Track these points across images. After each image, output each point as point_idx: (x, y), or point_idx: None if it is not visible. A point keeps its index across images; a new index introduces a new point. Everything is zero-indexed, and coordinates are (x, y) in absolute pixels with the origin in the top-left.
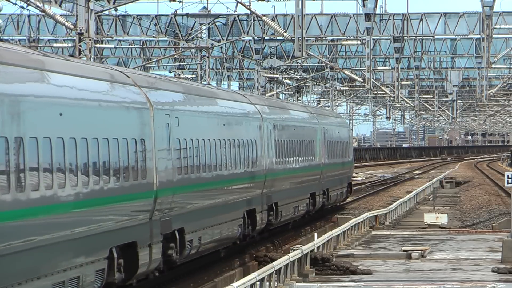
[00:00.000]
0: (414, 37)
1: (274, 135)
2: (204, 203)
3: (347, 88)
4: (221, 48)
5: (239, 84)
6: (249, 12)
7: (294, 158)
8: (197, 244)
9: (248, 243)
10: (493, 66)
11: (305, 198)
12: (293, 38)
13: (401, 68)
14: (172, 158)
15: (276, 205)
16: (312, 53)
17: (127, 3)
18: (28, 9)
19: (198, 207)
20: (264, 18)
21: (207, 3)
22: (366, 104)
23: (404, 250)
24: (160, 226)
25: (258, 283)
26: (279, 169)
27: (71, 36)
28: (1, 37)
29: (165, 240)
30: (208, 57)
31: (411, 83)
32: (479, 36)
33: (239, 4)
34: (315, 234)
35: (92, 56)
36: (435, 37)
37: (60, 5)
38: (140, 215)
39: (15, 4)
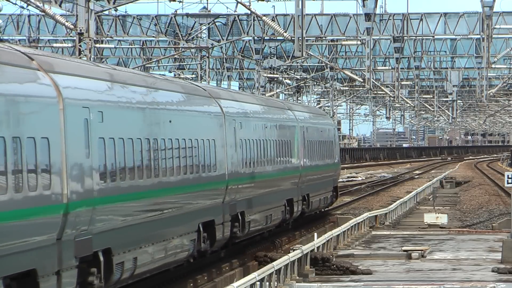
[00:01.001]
0: (414, 37)
1: (240, 134)
2: (140, 217)
3: (347, 88)
4: (221, 48)
5: (239, 84)
6: (249, 12)
7: (265, 160)
8: (131, 266)
9: (208, 261)
10: (493, 66)
11: (280, 206)
12: (293, 38)
13: (401, 68)
14: (91, 163)
15: (243, 215)
16: (312, 53)
17: (127, 3)
18: (28, 9)
19: (131, 222)
20: (264, 18)
21: (207, 3)
22: (366, 104)
23: (404, 250)
24: (74, 247)
25: (258, 283)
26: (246, 174)
27: (71, 36)
28: (1, 37)
29: (85, 264)
30: (208, 57)
31: (411, 83)
32: (479, 36)
33: (239, 4)
34: (315, 234)
35: (92, 56)
36: (435, 37)
37: (60, 5)
38: (43, 236)
39: (15, 4)
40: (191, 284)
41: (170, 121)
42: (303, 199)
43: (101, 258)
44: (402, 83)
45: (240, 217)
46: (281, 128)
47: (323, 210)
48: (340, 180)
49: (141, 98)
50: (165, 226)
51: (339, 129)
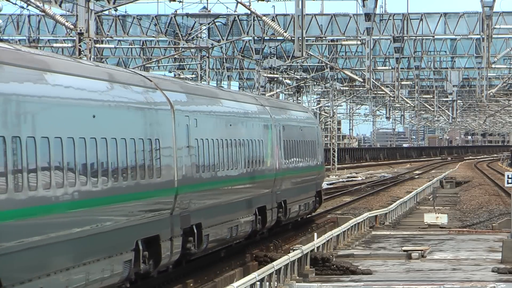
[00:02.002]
0: (414, 37)
1: (195, 134)
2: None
3: (347, 88)
4: (221, 48)
5: (239, 84)
6: (249, 12)
7: (229, 163)
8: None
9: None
10: (493, 66)
11: (249, 215)
12: (293, 38)
13: (401, 68)
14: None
15: (199, 227)
16: (312, 53)
17: (127, 3)
18: (28, 9)
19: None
20: (264, 18)
21: (207, 3)
22: (366, 104)
23: (404, 250)
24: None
25: (258, 283)
26: (203, 179)
27: (71, 36)
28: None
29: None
30: (208, 57)
31: (411, 83)
32: (479, 36)
33: (239, 4)
34: (315, 234)
35: (92, 56)
36: (435, 37)
37: (60, 5)
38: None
39: (15, 4)
40: (191, 284)
41: (94, 116)
42: (279, 206)
43: (195, 230)
44: (402, 83)
45: (195, 230)
46: (251, 126)
47: (305, 217)
48: (340, 180)
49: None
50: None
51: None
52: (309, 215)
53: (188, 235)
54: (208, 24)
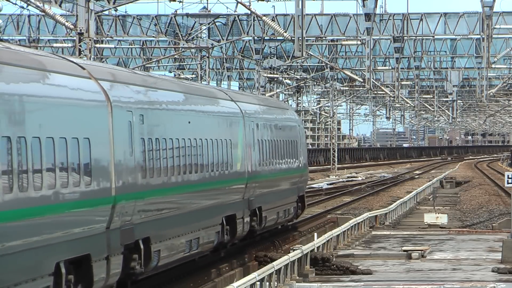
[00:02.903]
0: (414, 37)
1: (140, 132)
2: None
3: (347, 88)
4: (221, 48)
5: (239, 84)
6: (249, 12)
7: (186, 167)
8: None
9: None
10: (493, 66)
11: (214, 226)
12: (293, 38)
13: (401, 68)
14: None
15: (147, 243)
16: (312, 53)
17: (127, 3)
18: (28, 9)
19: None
20: (264, 18)
21: (207, 3)
22: (366, 104)
23: (404, 250)
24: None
25: (258, 283)
26: (149, 187)
27: (71, 36)
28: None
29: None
30: (208, 57)
31: (411, 83)
32: (479, 36)
33: (239, 4)
34: (315, 234)
35: (92, 56)
36: (435, 37)
37: (60, 5)
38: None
39: (15, 4)
40: (191, 284)
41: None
42: (252, 214)
43: (141, 246)
44: (402, 83)
45: (142, 247)
46: (216, 123)
47: (286, 224)
48: (340, 180)
49: None
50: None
51: (339, 129)
52: (291, 222)
53: (133, 252)
54: (208, 24)
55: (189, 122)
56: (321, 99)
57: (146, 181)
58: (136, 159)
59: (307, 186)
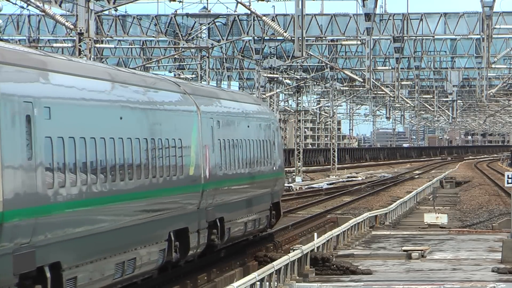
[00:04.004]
0: (414, 37)
1: (44, 129)
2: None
3: (347, 88)
4: (221, 48)
5: (239, 84)
6: (249, 12)
7: (112, 173)
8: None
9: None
10: (493, 66)
11: (157, 243)
12: (293, 38)
13: (401, 68)
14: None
15: (57, 269)
16: (312, 53)
17: (127, 3)
18: (28, 9)
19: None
20: (264, 18)
21: (207, 3)
22: (366, 104)
23: (404, 250)
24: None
25: (258, 283)
26: (51, 200)
27: (71, 36)
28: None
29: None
30: (208, 57)
31: (411, 83)
32: (479, 36)
33: (239, 4)
34: (315, 234)
35: (92, 56)
36: (435, 37)
37: (60, 5)
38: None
39: (15, 4)
40: (191, 284)
41: None
42: (211, 226)
43: (48, 275)
44: (402, 83)
45: (49, 275)
46: (157, 120)
47: (259, 234)
48: (340, 180)
49: None
50: None
51: (339, 129)
52: (263, 233)
53: (36, 282)
54: (208, 24)
55: (121, 118)
56: (321, 99)
57: (45, 194)
58: (36, 165)
59: (283, 192)
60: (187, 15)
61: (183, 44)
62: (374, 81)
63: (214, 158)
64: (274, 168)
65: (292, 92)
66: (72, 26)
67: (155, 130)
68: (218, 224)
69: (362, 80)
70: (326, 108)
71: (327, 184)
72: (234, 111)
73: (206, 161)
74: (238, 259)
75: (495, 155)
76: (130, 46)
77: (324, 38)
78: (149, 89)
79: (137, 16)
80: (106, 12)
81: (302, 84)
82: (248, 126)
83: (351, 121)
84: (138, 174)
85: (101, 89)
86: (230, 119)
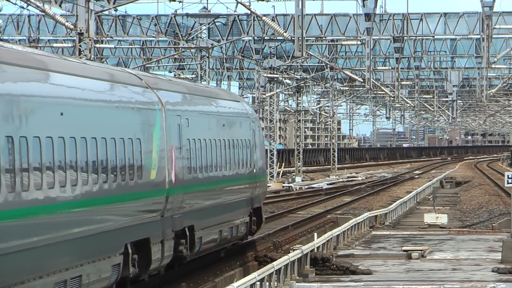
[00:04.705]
0: (414, 37)
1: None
2: None
3: (347, 88)
4: (221, 48)
5: (239, 84)
6: (249, 12)
7: (54, 177)
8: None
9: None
10: (493, 66)
11: (108, 257)
12: (293, 38)
13: (401, 68)
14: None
15: None
16: (312, 53)
17: (127, 3)
18: (28, 9)
19: None
20: (264, 18)
21: (207, 3)
22: (366, 104)
23: (404, 250)
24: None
25: (258, 283)
26: None
27: (71, 36)
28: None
29: None
30: (208, 57)
31: (411, 83)
32: (479, 36)
33: (239, 4)
34: (315, 234)
35: (92, 56)
36: (435, 37)
37: (60, 5)
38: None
39: (15, 4)
40: (191, 284)
41: None
42: (179, 236)
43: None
44: (402, 83)
45: None
46: (108, 117)
47: (238, 242)
48: (340, 180)
49: None
50: None
51: (339, 129)
52: (241, 241)
53: None
54: (208, 24)
55: (61, 114)
56: (321, 99)
57: None
58: None
59: (266, 196)
60: (187, 15)
61: (183, 44)
62: (374, 81)
63: (182, 160)
64: (255, 170)
65: (292, 92)
66: (72, 26)
67: (105, 128)
68: (187, 233)
69: (362, 80)
70: (326, 108)
71: (327, 184)
72: (207, 108)
73: (172, 163)
74: (238, 259)
75: (495, 155)
76: (130, 46)
77: (324, 38)
78: (100, 82)
79: (137, 16)
80: (106, 12)
81: (302, 84)
82: (224, 125)
83: (351, 121)
84: (84, 179)
85: (42, 83)
86: (202, 116)
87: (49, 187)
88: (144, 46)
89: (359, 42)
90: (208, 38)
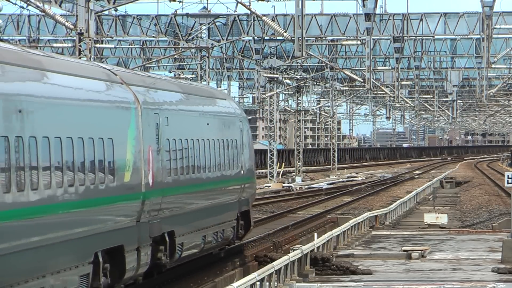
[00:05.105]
0: (414, 37)
1: None
2: None
3: (347, 88)
4: (221, 48)
5: (239, 84)
6: (249, 12)
7: (6, 184)
8: None
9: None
10: (493, 66)
11: (76, 268)
12: (293, 38)
13: (401, 68)
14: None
15: None
16: (312, 53)
17: (127, 3)
18: (28, 9)
19: None
20: (264, 18)
21: (207, 3)
22: (366, 104)
23: (404, 250)
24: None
25: (258, 283)
26: None
27: (71, 36)
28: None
29: None
30: (208, 57)
31: (411, 83)
32: (479, 36)
33: (239, 4)
34: (315, 234)
35: (92, 56)
36: (435, 37)
37: (60, 5)
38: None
39: (15, 4)
40: (191, 284)
41: None
42: (158, 242)
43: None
44: (402, 83)
45: None
46: (77, 114)
47: (226, 248)
48: (340, 180)
49: None
50: None
51: (339, 129)
52: (228, 246)
53: None
54: (208, 24)
55: (19, 112)
56: (321, 99)
57: None
58: None
59: (255, 198)
60: (187, 15)
61: (183, 44)
62: (374, 81)
63: (160, 162)
64: (242, 172)
65: (292, 92)
66: (72, 26)
67: (72, 126)
68: (167, 239)
69: (362, 80)
70: (326, 108)
71: (327, 184)
72: (190, 106)
73: (149, 165)
74: (238, 259)
75: (495, 155)
76: (130, 46)
77: (324, 38)
78: (67, 76)
79: (137, 16)
80: (106, 12)
81: (302, 84)
82: (208, 124)
83: (351, 121)
84: (46, 182)
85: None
86: (184, 115)
87: (5, 191)
88: (144, 46)
89: (359, 42)
90: (208, 38)
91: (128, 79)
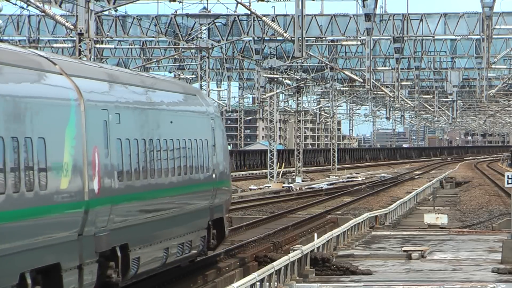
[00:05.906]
0: (414, 38)
1: None
2: None
3: (347, 88)
4: (221, 48)
5: (239, 85)
6: (249, 12)
7: None
8: None
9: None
10: (493, 66)
11: None
12: (293, 39)
13: (401, 69)
14: None
15: None
16: (312, 54)
17: (127, 3)
18: (28, 10)
19: None
20: (264, 18)
21: (207, 3)
22: (366, 105)
23: (404, 251)
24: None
25: (258, 283)
26: None
27: (71, 37)
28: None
29: None
30: (208, 57)
31: (411, 83)
32: (479, 37)
33: (239, 5)
34: (315, 234)
35: (92, 56)
36: (435, 37)
37: (60, 6)
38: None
39: (15, 4)
40: (191, 285)
41: None
42: (107, 257)
43: None
44: (402, 83)
45: None
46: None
47: (196, 259)
48: (341, 180)
49: None
50: None
51: (339, 129)
52: (201, 257)
53: None
54: (208, 24)
55: None
56: (321, 100)
57: None
58: None
59: (231, 203)
60: (187, 15)
61: (183, 45)
62: (374, 81)
63: (109, 165)
64: (214, 175)
65: (292, 93)
66: (72, 27)
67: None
68: (119, 253)
69: (362, 81)
70: (326, 108)
71: (327, 185)
72: (150, 101)
73: (95, 169)
74: (238, 259)
75: (495, 156)
76: (130, 47)
77: (324, 38)
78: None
79: (137, 16)
80: (106, 13)
81: (302, 85)
82: (172, 122)
83: (351, 121)
84: None
85: None
86: (142, 112)
87: None
88: (144, 47)
89: (359, 43)
90: (208, 38)
91: (70, 70)
